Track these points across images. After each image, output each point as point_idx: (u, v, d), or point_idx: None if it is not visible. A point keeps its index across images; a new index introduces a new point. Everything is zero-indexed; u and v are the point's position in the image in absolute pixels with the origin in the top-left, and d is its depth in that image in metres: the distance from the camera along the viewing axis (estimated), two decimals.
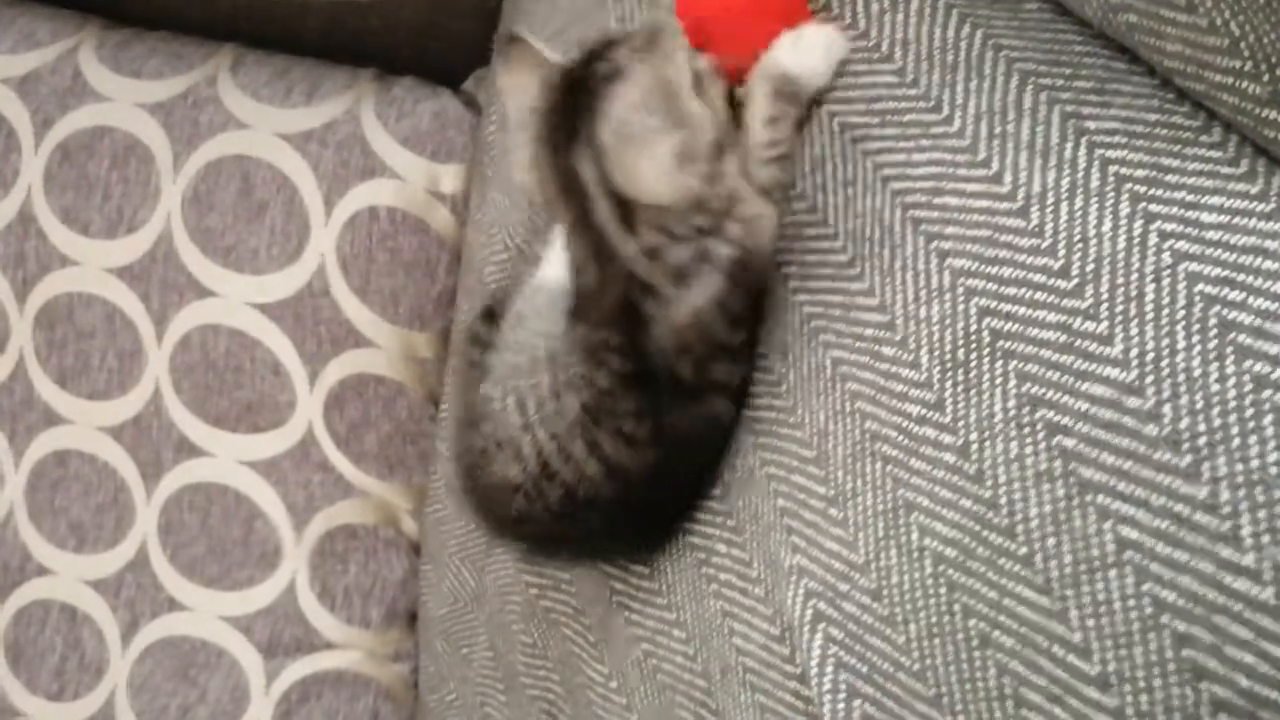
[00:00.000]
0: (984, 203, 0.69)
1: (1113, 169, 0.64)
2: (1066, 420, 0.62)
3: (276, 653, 1.25)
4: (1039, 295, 0.65)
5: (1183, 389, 0.58)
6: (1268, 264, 0.58)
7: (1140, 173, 0.63)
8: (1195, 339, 0.59)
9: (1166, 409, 0.59)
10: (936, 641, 0.66)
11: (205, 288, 1.20)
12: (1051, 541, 0.62)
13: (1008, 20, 0.74)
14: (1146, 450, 0.59)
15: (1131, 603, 0.59)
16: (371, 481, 1.23)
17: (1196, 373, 0.58)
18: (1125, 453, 0.59)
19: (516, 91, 0.80)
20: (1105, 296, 0.62)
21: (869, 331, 0.73)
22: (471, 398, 0.87)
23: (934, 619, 0.66)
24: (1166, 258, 0.61)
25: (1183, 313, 0.59)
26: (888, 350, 0.71)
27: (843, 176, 0.77)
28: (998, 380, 0.65)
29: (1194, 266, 0.60)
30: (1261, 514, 0.55)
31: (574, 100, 0.76)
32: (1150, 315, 0.60)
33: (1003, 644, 0.63)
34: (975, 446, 0.65)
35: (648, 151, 0.75)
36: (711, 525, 0.82)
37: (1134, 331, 0.60)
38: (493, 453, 0.84)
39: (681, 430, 0.80)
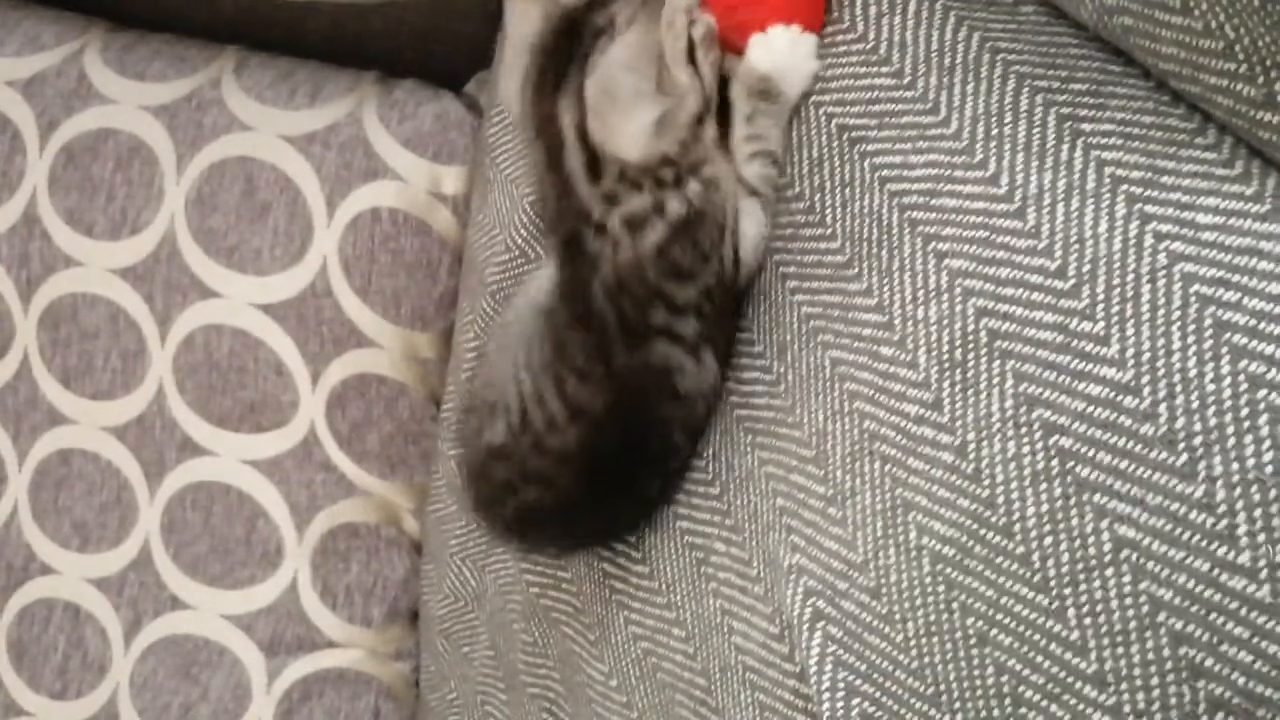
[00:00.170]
0: (981, 204, 0.69)
1: (1109, 170, 0.64)
2: (1063, 420, 0.62)
3: (278, 651, 1.25)
4: (1036, 296, 0.65)
5: (1178, 389, 0.59)
6: (1263, 264, 0.58)
7: (1136, 174, 0.63)
8: (1191, 339, 0.59)
9: (1162, 408, 0.59)
10: (935, 640, 0.66)
11: (208, 288, 1.20)
12: (1049, 540, 0.62)
13: (1004, 23, 0.74)
14: (1143, 449, 0.59)
15: (1129, 601, 0.59)
16: (373, 481, 1.23)
17: (1192, 373, 0.58)
18: (1122, 452, 0.60)
19: (521, 17, 0.81)
20: (1101, 297, 0.62)
21: (867, 332, 0.73)
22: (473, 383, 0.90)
23: (932, 617, 0.66)
24: (1162, 258, 0.61)
25: (1178, 313, 0.59)
26: (886, 350, 0.72)
27: (840, 178, 0.78)
28: (995, 380, 0.65)
29: (1189, 267, 0.60)
30: (1257, 512, 0.56)
31: (567, 46, 0.77)
32: (1146, 315, 0.60)
33: (1001, 642, 0.63)
34: (973, 446, 0.66)
35: (629, 114, 0.76)
36: (710, 524, 0.82)
37: (1130, 332, 0.61)
38: (485, 422, 0.86)
39: (631, 373, 0.81)
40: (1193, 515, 0.57)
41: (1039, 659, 0.62)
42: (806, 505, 0.75)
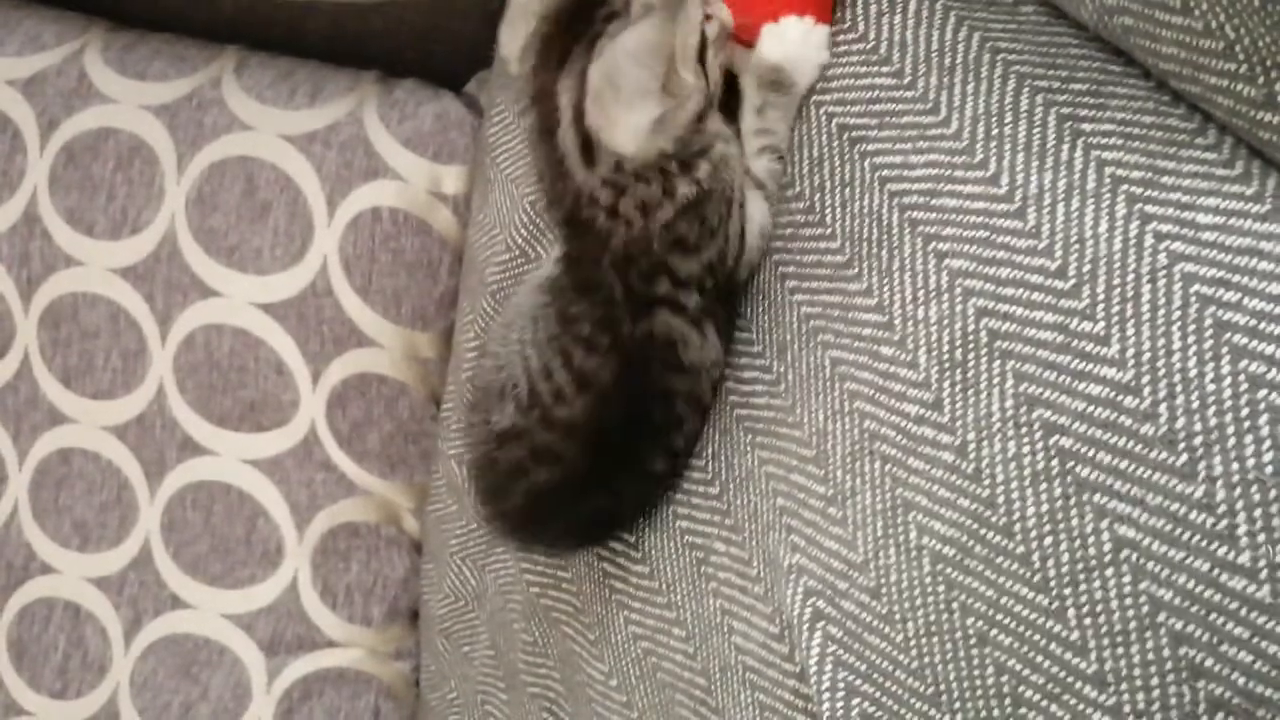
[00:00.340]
0: (981, 204, 0.69)
1: (1109, 170, 0.64)
2: (1063, 420, 0.62)
3: (278, 651, 1.25)
4: (1036, 295, 0.65)
5: (1179, 389, 0.59)
6: (1263, 265, 0.58)
7: (1136, 174, 0.63)
8: (1191, 339, 0.59)
9: (1163, 408, 0.59)
10: (935, 640, 0.66)
11: (209, 288, 1.20)
12: (1049, 540, 0.62)
13: (1005, 23, 0.74)
14: (1143, 449, 0.59)
15: (1129, 601, 0.59)
16: (373, 480, 1.23)
17: (1192, 373, 0.58)
18: (1122, 452, 0.60)
19: None
20: (1102, 297, 0.62)
21: (867, 331, 0.73)
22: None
23: (932, 617, 0.66)
24: (1162, 258, 0.61)
25: (1179, 313, 0.59)
26: (886, 350, 0.72)
27: (841, 177, 0.78)
28: (995, 380, 0.65)
29: (1190, 267, 0.60)
30: (1257, 512, 0.56)
31: (575, 23, 0.77)
32: (1146, 315, 0.60)
33: (1001, 642, 0.63)
34: (973, 446, 0.66)
35: (630, 108, 0.76)
36: (710, 524, 0.82)
37: (1130, 331, 0.61)
38: (493, 408, 0.86)
39: (637, 344, 0.81)
40: (1193, 515, 0.57)
41: (1039, 659, 0.62)
42: (806, 505, 0.75)
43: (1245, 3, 0.56)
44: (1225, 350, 0.58)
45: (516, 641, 1.02)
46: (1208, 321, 0.58)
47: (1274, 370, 0.56)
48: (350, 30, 1.29)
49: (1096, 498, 0.60)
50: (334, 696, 1.25)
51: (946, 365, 0.68)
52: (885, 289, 0.73)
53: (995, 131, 0.70)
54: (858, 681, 0.70)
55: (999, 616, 0.63)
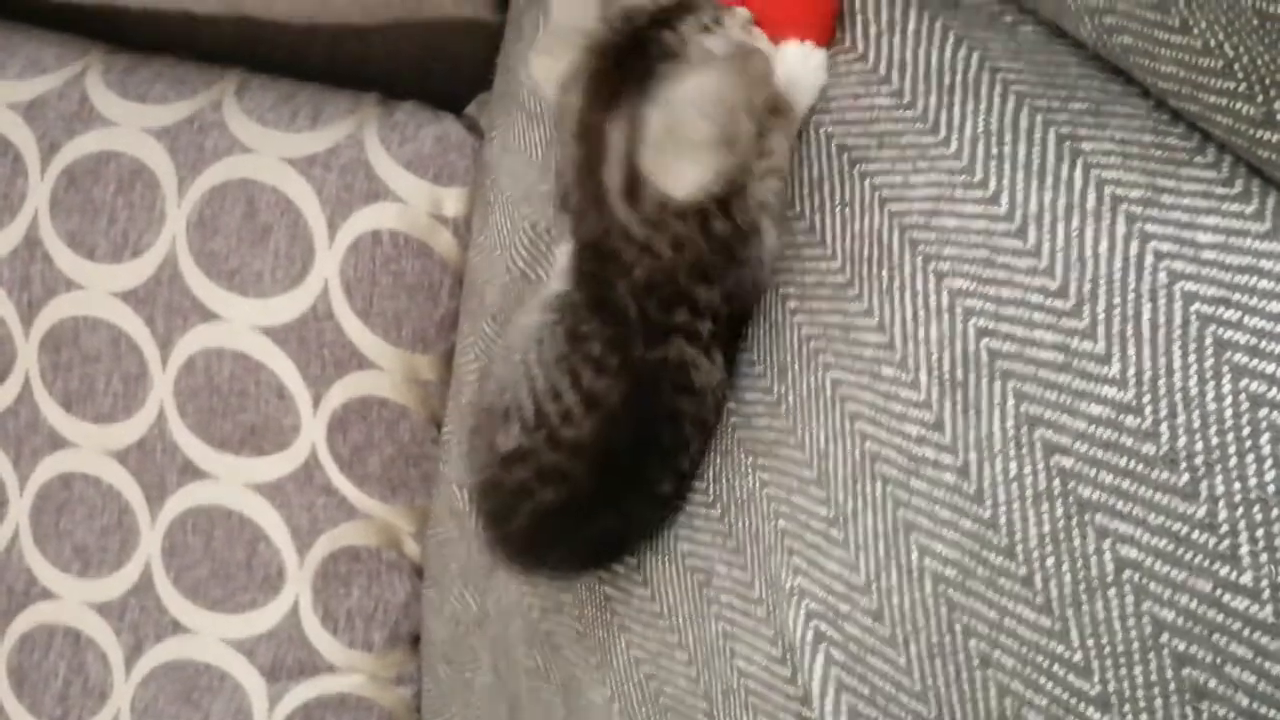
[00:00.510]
0: (981, 223, 0.69)
1: (1109, 189, 0.64)
2: (1065, 440, 0.62)
3: (279, 676, 1.25)
4: (1037, 315, 0.65)
5: (1180, 408, 0.58)
6: (1263, 283, 0.58)
7: (1136, 193, 0.63)
8: (1192, 358, 0.59)
9: (1164, 428, 0.59)
10: (938, 662, 0.66)
11: (210, 311, 1.20)
12: (1051, 561, 0.62)
13: (1004, 43, 0.74)
14: (1144, 469, 0.59)
15: (1131, 622, 0.59)
16: (374, 504, 1.23)
17: (1193, 392, 0.58)
18: (1123, 472, 0.60)
19: (570, 3, 0.80)
20: (1102, 316, 0.62)
21: (868, 352, 0.73)
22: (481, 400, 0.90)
23: (935, 639, 0.66)
24: (1163, 277, 0.61)
25: (1179, 332, 0.59)
26: (887, 371, 0.71)
27: (840, 197, 0.78)
28: (996, 400, 0.65)
29: (1190, 286, 0.60)
30: (1259, 532, 0.55)
31: (627, 60, 0.76)
32: (1147, 334, 0.60)
33: (1003, 664, 0.63)
34: (974, 466, 0.65)
35: (692, 159, 0.75)
36: (712, 546, 0.82)
37: (1131, 351, 0.61)
38: (497, 430, 0.85)
39: (648, 367, 0.80)
40: (1195, 535, 0.57)
41: (1042, 681, 0.61)
42: (808, 527, 0.74)
43: (1244, 21, 0.56)
44: (1226, 369, 0.58)
45: (518, 666, 1.02)
46: (1208, 340, 0.58)
47: (1275, 389, 0.56)
48: (351, 53, 1.29)
49: (1098, 518, 0.60)
50: None
51: (947, 385, 0.68)
52: (886, 309, 0.72)
53: (995, 151, 0.70)
54: (860, 704, 0.69)
55: (1001, 638, 0.63)
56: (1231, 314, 0.58)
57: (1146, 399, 0.59)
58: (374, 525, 1.24)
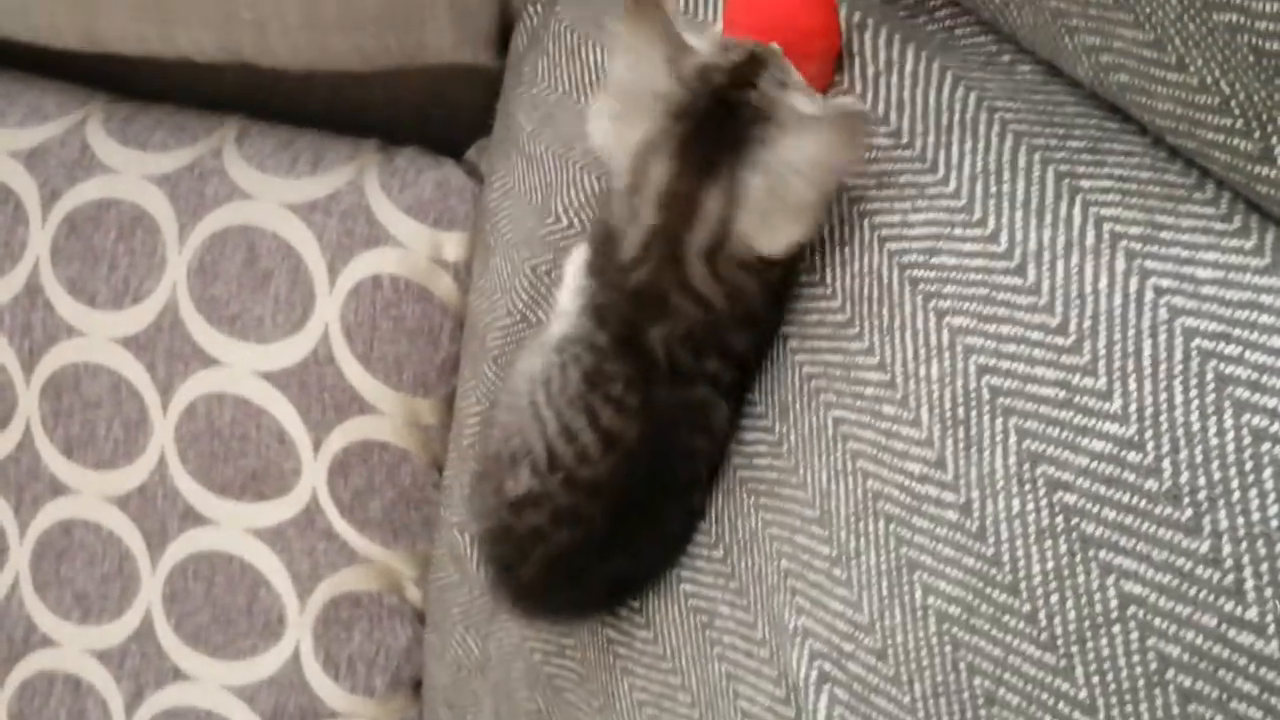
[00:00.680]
0: (981, 261, 0.69)
1: (1107, 226, 0.65)
2: (1067, 476, 0.62)
3: None
4: (1037, 352, 0.65)
5: (1182, 443, 0.58)
6: (1264, 318, 0.58)
7: (1135, 230, 0.64)
8: (1193, 393, 0.59)
9: (1166, 463, 0.59)
10: (942, 701, 0.66)
11: (210, 357, 1.20)
12: (1055, 598, 0.61)
13: (1001, 82, 0.74)
14: (1147, 505, 0.59)
15: (1136, 658, 0.58)
16: (375, 549, 1.23)
17: (1195, 427, 0.58)
18: (1126, 508, 0.59)
19: (635, 62, 0.77)
20: (1103, 353, 0.62)
21: (869, 391, 0.73)
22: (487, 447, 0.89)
23: (939, 678, 0.66)
24: (1163, 313, 0.61)
25: (1180, 367, 0.59)
26: (888, 409, 0.71)
27: (840, 237, 0.78)
28: (998, 437, 0.65)
29: (1190, 321, 0.60)
30: (1264, 567, 0.55)
31: (716, 125, 0.75)
32: (1148, 370, 0.60)
33: (1009, 702, 0.63)
34: (977, 504, 0.65)
35: (794, 221, 0.75)
36: (714, 587, 0.82)
37: (1132, 387, 0.61)
38: (505, 476, 0.85)
39: (668, 408, 0.80)
40: (1199, 570, 0.57)
41: (1047, 718, 0.61)
42: (811, 566, 0.74)
43: (1240, 58, 0.57)
44: (1228, 404, 0.58)
45: (520, 710, 1.02)
46: (1209, 376, 0.58)
47: (1276, 424, 0.56)
48: (351, 99, 1.30)
49: (1102, 554, 0.60)
50: None
51: (949, 423, 0.68)
52: (886, 348, 0.73)
53: (994, 189, 0.70)
54: None
55: (1006, 676, 0.63)
56: (1232, 349, 0.58)
57: (1148, 435, 0.59)
58: (375, 570, 1.23)
